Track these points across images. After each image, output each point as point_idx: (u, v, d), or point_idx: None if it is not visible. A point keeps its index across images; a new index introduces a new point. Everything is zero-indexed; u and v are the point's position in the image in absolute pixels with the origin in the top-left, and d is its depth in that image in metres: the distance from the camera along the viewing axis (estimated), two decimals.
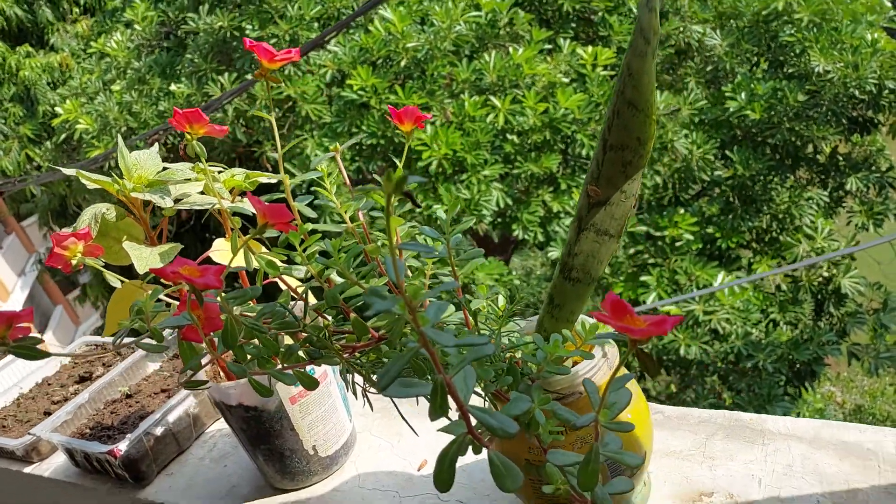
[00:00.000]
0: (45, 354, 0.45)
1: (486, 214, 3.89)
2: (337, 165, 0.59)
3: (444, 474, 0.42)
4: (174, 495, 0.80)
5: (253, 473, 0.80)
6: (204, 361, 0.75)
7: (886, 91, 4.15)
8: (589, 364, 0.55)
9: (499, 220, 4.13)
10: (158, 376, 0.97)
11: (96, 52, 5.81)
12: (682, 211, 4.32)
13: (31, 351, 0.44)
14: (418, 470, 0.74)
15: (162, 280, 0.62)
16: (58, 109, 5.42)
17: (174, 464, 0.85)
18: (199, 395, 0.89)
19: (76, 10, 7.18)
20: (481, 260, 0.55)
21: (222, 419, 0.92)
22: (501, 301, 0.56)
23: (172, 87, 4.89)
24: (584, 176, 4.14)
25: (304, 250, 0.53)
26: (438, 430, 0.47)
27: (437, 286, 0.39)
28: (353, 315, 0.55)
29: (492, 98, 3.96)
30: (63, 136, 5.61)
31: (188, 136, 0.58)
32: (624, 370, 0.53)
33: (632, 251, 4.37)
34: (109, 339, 1.12)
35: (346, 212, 0.57)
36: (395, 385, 0.40)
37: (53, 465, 0.91)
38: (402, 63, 4.13)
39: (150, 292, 0.52)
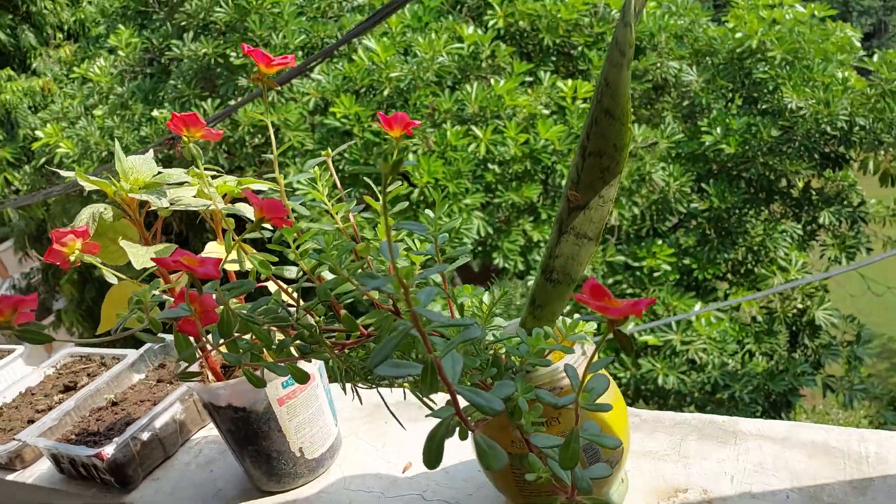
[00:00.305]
0: (49, 339, 0.47)
1: (467, 243, 3.93)
2: (329, 170, 0.62)
3: (433, 454, 0.44)
4: (160, 499, 0.81)
5: (239, 477, 0.81)
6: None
7: (857, 128, 4.27)
8: (569, 359, 0.57)
9: (479, 248, 4.16)
10: (144, 385, 0.98)
11: (79, 77, 5.83)
12: (659, 242, 4.38)
13: (35, 335, 0.46)
14: (403, 472, 0.75)
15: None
16: (38, 133, 5.41)
17: (160, 469, 0.86)
18: (186, 402, 0.90)
19: (59, 35, 7.20)
20: (466, 259, 0.58)
21: (208, 426, 0.93)
22: (487, 298, 0.58)
23: (155, 112, 4.91)
24: None
25: (298, 247, 0.56)
26: (427, 416, 0.49)
27: (427, 270, 0.41)
28: (343, 311, 0.57)
29: (473, 128, 4.02)
30: (43, 160, 5.59)
31: (185, 139, 0.60)
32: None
33: (610, 281, 4.41)
34: (94, 350, 1.13)
35: (337, 213, 0.60)
36: (386, 365, 0.42)
37: (37, 473, 0.92)
38: (385, 92, 4.19)
39: (147, 286, 0.54)
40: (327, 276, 0.59)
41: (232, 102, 4.49)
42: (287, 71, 3.83)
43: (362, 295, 0.57)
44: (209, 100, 4.61)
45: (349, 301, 0.58)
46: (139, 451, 0.84)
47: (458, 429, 0.47)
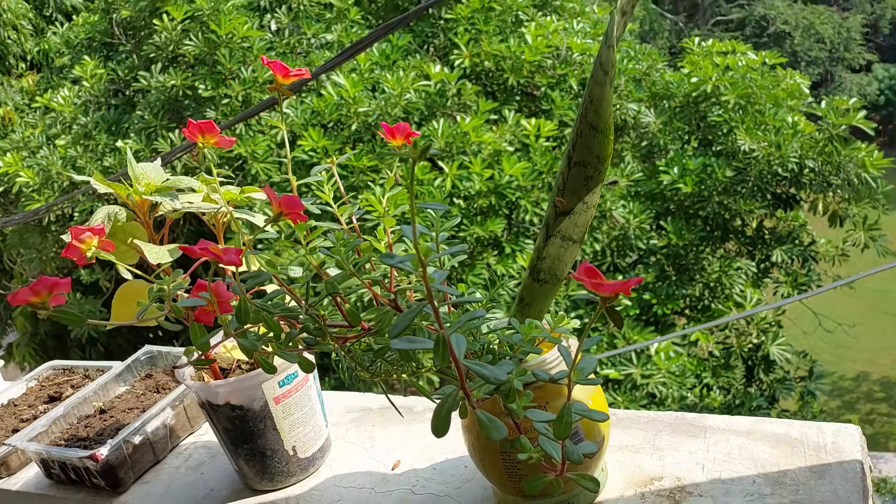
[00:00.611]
0: (82, 320, 0.50)
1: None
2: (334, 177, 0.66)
3: (441, 424, 0.48)
4: (151, 501, 0.82)
5: (230, 478, 0.83)
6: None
7: (807, 170, 4.47)
8: (555, 352, 0.62)
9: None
10: (131, 394, 1.00)
11: (41, 107, 5.78)
12: (620, 277, 4.47)
13: (70, 315, 0.49)
14: (392, 469, 0.79)
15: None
16: None
17: (150, 473, 0.88)
18: (176, 408, 0.92)
19: (22, 65, 7.14)
20: (464, 256, 0.63)
21: (197, 433, 0.95)
22: (479, 296, 0.63)
23: (119, 143, 4.90)
24: (527, 240, 4.29)
25: (308, 243, 0.60)
26: (434, 396, 0.53)
27: (443, 250, 0.46)
28: (347, 305, 0.62)
29: (440, 163, 4.10)
30: (1, 189, 5.51)
31: (200, 146, 0.64)
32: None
33: (573, 315, 4.49)
34: (77, 363, 1.14)
35: (342, 215, 0.64)
36: (402, 339, 0.46)
37: (23, 479, 0.92)
38: (353, 126, 4.26)
39: (168, 277, 0.58)
40: (332, 272, 0.63)
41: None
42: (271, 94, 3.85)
43: (365, 290, 0.61)
44: (176, 131, 4.62)
45: (351, 296, 0.63)
46: (130, 453, 0.85)
47: (460, 406, 0.52)
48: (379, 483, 0.77)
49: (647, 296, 4.55)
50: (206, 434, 0.94)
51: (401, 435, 0.84)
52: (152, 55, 4.97)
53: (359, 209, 0.66)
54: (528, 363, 0.61)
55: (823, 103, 4.54)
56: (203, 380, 0.78)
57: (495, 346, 0.61)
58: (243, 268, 0.66)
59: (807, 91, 4.73)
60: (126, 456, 0.85)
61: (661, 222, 4.59)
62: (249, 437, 0.76)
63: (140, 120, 4.90)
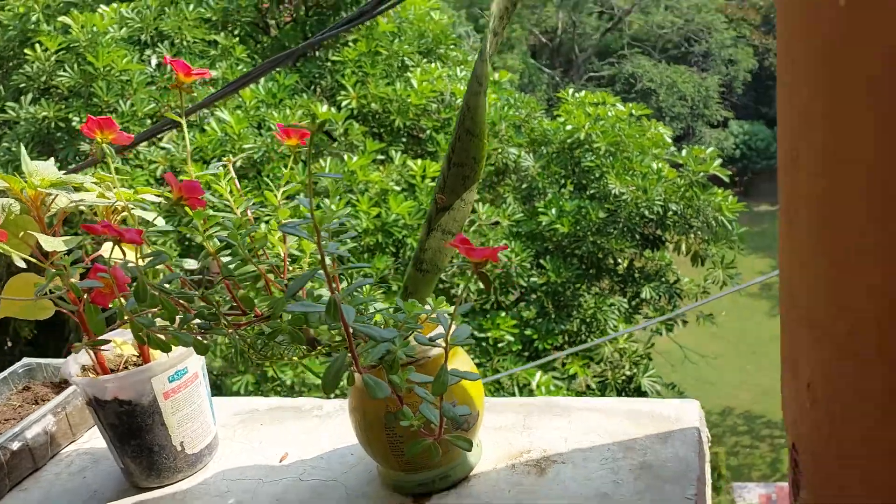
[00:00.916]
0: None
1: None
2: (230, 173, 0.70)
3: (329, 381, 0.53)
4: None
5: (115, 479, 0.83)
6: (82, 362, 0.80)
7: (671, 213, 4.82)
8: (437, 330, 0.68)
9: None
10: (7, 406, 0.97)
11: None
12: (503, 314, 4.64)
13: None
14: (280, 461, 0.82)
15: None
16: None
17: (28, 480, 0.86)
18: (58, 415, 0.91)
19: None
20: (353, 244, 0.68)
21: (79, 440, 0.94)
22: (367, 287, 0.69)
23: None
24: None
25: (205, 231, 0.64)
26: (322, 362, 0.58)
27: (336, 219, 0.52)
28: (241, 291, 0.66)
29: (326, 201, 4.13)
30: None
31: (98, 141, 0.67)
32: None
33: None
34: None
35: (237, 207, 0.68)
36: (297, 304, 0.51)
37: None
38: (238, 163, 4.23)
39: (68, 258, 0.60)
40: (225, 261, 0.67)
41: (72, 166, 4.34)
42: (138, 134, 3.78)
43: (259, 276, 0.66)
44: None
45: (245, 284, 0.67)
46: (8, 460, 0.84)
47: (347, 373, 0.57)
48: (267, 474, 0.80)
49: (528, 331, 4.72)
50: (89, 441, 0.93)
51: (289, 432, 0.87)
52: (22, 85, 4.76)
53: (254, 204, 0.70)
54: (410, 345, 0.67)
55: (684, 152, 4.94)
56: (90, 377, 0.79)
57: (381, 323, 0.66)
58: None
59: (669, 140, 5.12)
60: (3, 463, 0.83)
61: (541, 261, 4.80)
62: (137, 433, 0.78)
63: (6, 152, 4.66)
